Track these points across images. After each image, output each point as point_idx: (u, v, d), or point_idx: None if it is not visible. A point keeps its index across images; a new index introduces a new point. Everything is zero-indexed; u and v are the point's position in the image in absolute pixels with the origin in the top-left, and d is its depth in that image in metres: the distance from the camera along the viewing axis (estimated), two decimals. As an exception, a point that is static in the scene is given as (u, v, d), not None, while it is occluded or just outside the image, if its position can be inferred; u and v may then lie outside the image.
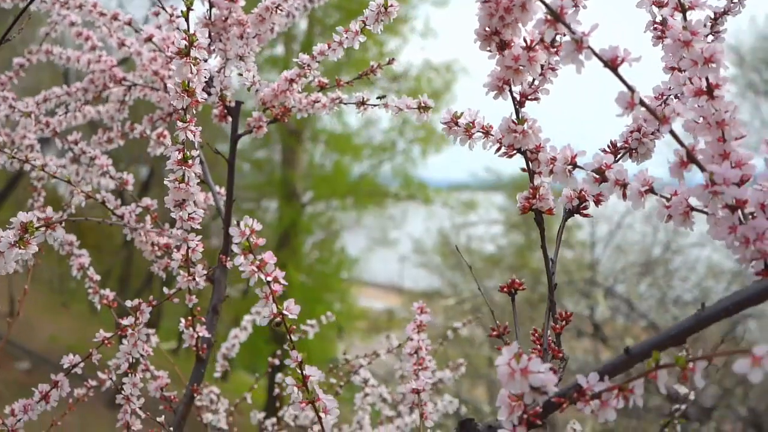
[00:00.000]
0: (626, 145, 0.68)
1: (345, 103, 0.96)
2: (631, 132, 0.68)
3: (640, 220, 7.66)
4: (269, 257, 0.62)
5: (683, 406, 1.10)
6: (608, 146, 0.69)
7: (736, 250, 0.51)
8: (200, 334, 0.97)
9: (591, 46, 0.50)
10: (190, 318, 0.96)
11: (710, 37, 0.72)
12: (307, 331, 1.39)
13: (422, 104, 0.83)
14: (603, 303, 5.86)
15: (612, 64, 0.51)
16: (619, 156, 0.69)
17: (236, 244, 0.61)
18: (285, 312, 0.63)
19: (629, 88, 0.51)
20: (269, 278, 0.62)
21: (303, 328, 1.39)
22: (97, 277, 1.10)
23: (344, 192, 11.05)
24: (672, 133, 0.52)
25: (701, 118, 0.54)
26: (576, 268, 7.32)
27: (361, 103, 0.94)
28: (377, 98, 0.94)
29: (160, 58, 1.13)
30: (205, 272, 0.91)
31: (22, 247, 0.67)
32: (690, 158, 0.52)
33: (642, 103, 0.51)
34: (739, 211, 0.53)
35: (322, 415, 0.64)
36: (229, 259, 0.97)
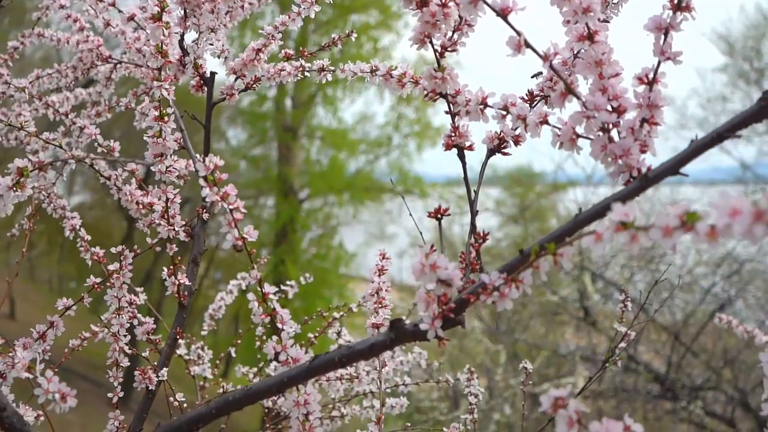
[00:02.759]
0: (541, 93, 0.79)
1: (308, 71, 1.07)
2: (546, 81, 0.79)
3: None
4: (231, 189, 0.73)
5: (623, 345, 1.20)
6: (526, 94, 0.79)
7: (608, 165, 0.62)
8: (181, 282, 1.07)
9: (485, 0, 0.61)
10: (172, 267, 1.06)
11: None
12: (287, 291, 1.50)
13: (374, 68, 0.94)
14: (591, 287, 5.98)
15: (503, 12, 0.61)
16: (535, 102, 0.79)
17: (202, 177, 0.71)
18: (245, 236, 0.74)
19: (517, 32, 0.61)
20: (231, 207, 0.72)
21: (283, 288, 1.49)
22: (88, 237, 1.20)
23: (341, 188, 11.15)
24: (552, 68, 0.62)
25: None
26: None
27: (321, 69, 1.05)
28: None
29: (143, 37, 1.23)
30: (183, 222, 1.01)
31: (19, 189, 0.78)
32: (568, 90, 0.63)
33: (527, 44, 0.61)
34: (616, 134, 0.63)
35: (279, 325, 0.75)
36: (206, 212, 1.08)
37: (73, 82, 1.32)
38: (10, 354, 0.76)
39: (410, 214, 1.09)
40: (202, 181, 0.72)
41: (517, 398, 5.66)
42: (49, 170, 0.82)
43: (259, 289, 0.75)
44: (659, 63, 0.63)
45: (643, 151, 0.62)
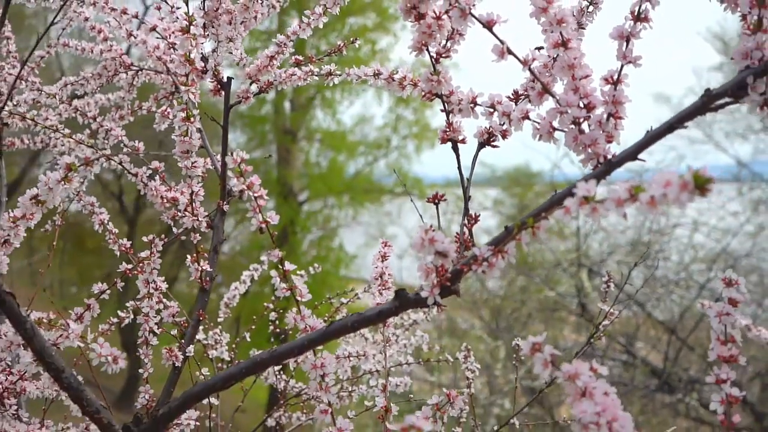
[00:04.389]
0: (524, 93, 0.89)
1: (316, 75, 1.18)
2: (528, 82, 0.89)
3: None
4: (255, 179, 0.84)
5: (606, 323, 1.31)
6: (512, 93, 0.90)
7: (579, 153, 0.73)
8: (204, 269, 1.18)
9: (473, 13, 0.72)
10: (195, 255, 1.17)
11: (591, 7, 0.94)
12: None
13: (376, 71, 1.04)
14: (588, 283, 6.09)
15: (489, 24, 0.72)
16: (520, 101, 0.90)
17: (230, 169, 0.82)
18: (268, 219, 0.84)
19: (501, 41, 0.72)
20: (256, 195, 0.83)
21: (293, 278, 1.59)
22: (116, 230, 1.31)
23: (340, 189, 11.25)
24: (531, 71, 0.73)
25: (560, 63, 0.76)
26: (566, 252, 7.56)
27: (329, 74, 1.16)
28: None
29: (162, 45, 1.34)
30: (206, 214, 1.12)
31: (67, 183, 0.89)
32: (545, 90, 0.73)
33: (509, 51, 0.72)
34: (587, 126, 0.74)
35: (298, 298, 0.86)
36: (226, 204, 1.18)
37: (97, 89, 1.43)
38: (63, 326, 0.86)
39: (416, 207, 1.19)
40: (230, 172, 0.83)
41: (517, 393, 5.78)
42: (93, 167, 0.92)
43: (280, 266, 0.86)
44: (622, 66, 0.74)
45: (609, 141, 0.73)
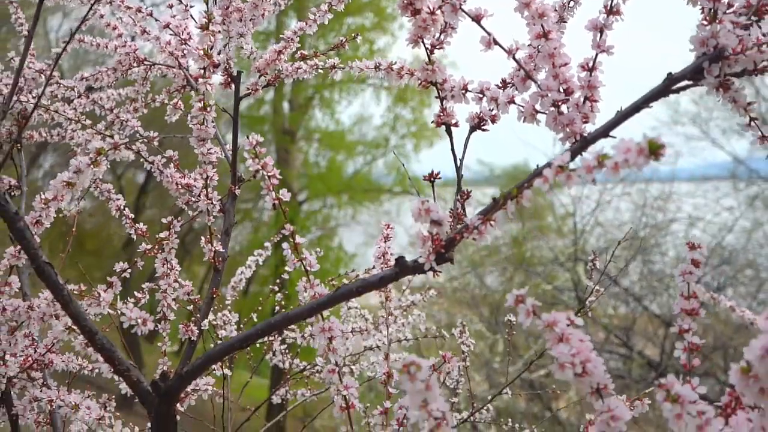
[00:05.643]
0: (511, 81, 0.98)
1: (321, 69, 1.26)
2: (514, 71, 0.98)
3: (623, 200, 8.05)
4: (269, 160, 0.93)
5: (592, 299, 1.40)
6: (500, 81, 0.99)
7: (558, 132, 0.82)
8: (216, 249, 1.27)
9: (463, 8, 0.81)
10: (208, 236, 1.26)
11: (572, 3, 1.02)
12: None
13: (377, 65, 1.13)
14: (584, 276, 6.18)
15: (477, 18, 0.81)
16: (507, 88, 0.98)
17: (246, 150, 0.91)
18: (281, 196, 0.93)
19: (488, 33, 0.81)
20: (269, 174, 0.92)
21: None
22: (132, 215, 1.39)
23: (339, 189, 11.34)
24: (515, 59, 0.82)
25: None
26: (563, 248, 7.66)
27: (333, 67, 1.24)
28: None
29: (174, 41, 1.43)
30: (220, 197, 1.21)
31: (96, 167, 0.97)
32: (527, 76, 0.82)
33: (495, 42, 0.81)
34: (565, 108, 0.83)
35: (308, 268, 0.95)
36: (237, 188, 1.27)
37: (112, 83, 1.52)
38: (95, 295, 0.95)
39: (418, 195, 1.27)
40: (246, 154, 0.92)
41: (515, 386, 5.86)
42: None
43: (291, 240, 0.95)
44: (596, 55, 0.82)
45: (585, 121, 0.82)
